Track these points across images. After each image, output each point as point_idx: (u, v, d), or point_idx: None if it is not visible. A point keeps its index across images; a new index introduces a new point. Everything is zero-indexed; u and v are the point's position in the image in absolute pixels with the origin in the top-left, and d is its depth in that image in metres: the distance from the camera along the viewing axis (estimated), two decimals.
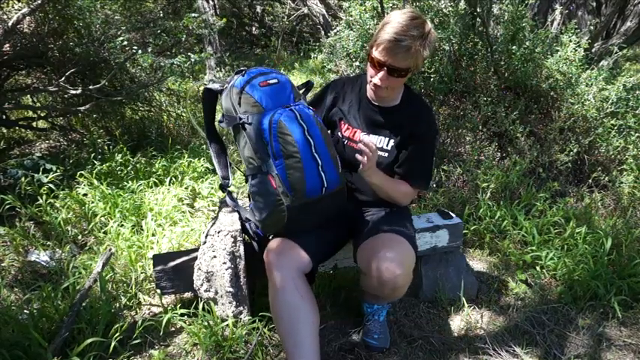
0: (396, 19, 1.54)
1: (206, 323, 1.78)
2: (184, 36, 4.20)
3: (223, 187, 1.87)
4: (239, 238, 1.77)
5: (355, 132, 1.78)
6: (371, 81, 1.66)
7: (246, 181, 1.70)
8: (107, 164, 3.21)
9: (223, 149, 1.91)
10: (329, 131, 1.85)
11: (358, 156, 1.57)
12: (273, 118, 1.51)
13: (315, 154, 1.53)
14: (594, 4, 5.77)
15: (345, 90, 1.83)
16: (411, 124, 1.73)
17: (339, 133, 1.80)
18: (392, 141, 1.75)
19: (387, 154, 1.75)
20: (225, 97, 1.63)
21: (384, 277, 1.53)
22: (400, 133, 1.74)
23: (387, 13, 1.70)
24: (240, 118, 1.55)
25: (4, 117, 3.77)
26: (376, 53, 1.58)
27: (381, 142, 1.76)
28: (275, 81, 1.59)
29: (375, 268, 1.54)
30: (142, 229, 2.51)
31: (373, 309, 1.83)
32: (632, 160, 2.96)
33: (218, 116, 1.72)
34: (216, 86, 1.71)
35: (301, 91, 1.71)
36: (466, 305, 2.06)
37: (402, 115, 1.75)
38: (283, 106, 1.56)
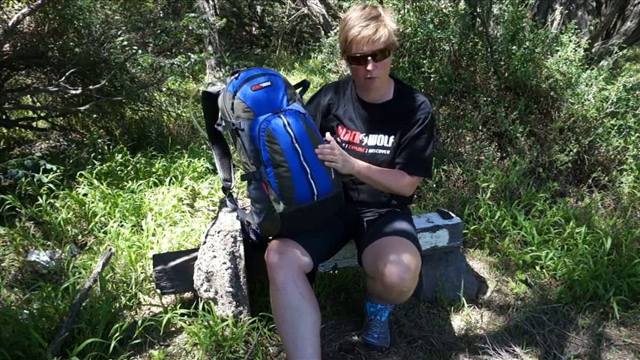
0: (350, 17, 1.62)
1: (206, 323, 1.78)
2: (184, 36, 4.21)
3: (225, 190, 1.87)
4: (239, 238, 1.77)
5: (355, 134, 1.78)
6: (363, 78, 1.67)
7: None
8: (107, 164, 3.21)
9: (226, 151, 1.89)
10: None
11: (327, 163, 1.57)
12: (261, 127, 1.49)
13: (303, 162, 1.52)
14: (594, 4, 5.77)
15: (337, 96, 1.83)
16: (406, 115, 1.73)
17: (338, 139, 1.80)
18: (392, 138, 1.75)
19: (388, 152, 1.75)
20: (220, 101, 1.62)
21: (391, 281, 1.53)
22: (398, 128, 1.74)
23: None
24: (234, 124, 1.54)
25: (4, 117, 3.77)
26: (353, 51, 1.61)
27: (381, 141, 1.75)
28: (268, 83, 1.56)
29: (381, 271, 1.54)
30: (142, 229, 2.51)
31: (376, 308, 1.84)
32: (632, 160, 2.95)
33: None
34: (214, 89, 1.71)
35: (298, 90, 1.69)
36: (466, 305, 2.06)
37: (396, 108, 1.75)
38: (273, 111, 1.53)
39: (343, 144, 1.79)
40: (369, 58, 1.60)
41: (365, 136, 1.77)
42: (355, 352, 1.81)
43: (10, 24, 2.93)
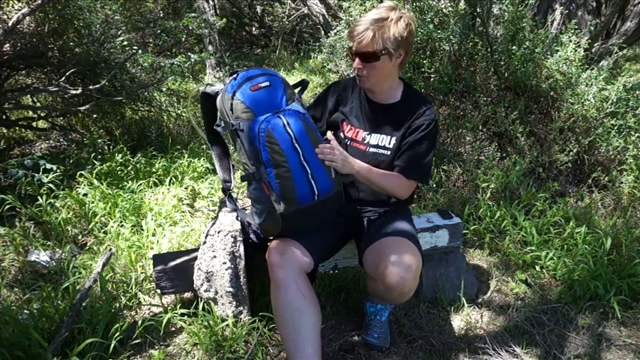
0: (368, 12, 1.65)
1: (206, 323, 1.78)
2: (184, 36, 4.21)
3: (225, 191, 1.87)
4: (239, 238, 1.77)
5: (358, 132, 1.78)
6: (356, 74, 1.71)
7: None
8: (107, 164, 3.21)
9: (226, 152, 1.89)
10: (332, 132, 1.84)
11: (327, 162, 1.57)
12: (261, 127, 1.49)
13: (303, 162, 1.52)
14: (594, 4, 5.78)
15: (346, 92, 1.84)
16: (410, 119, 1.73)
17: (342, 134, 1.81)
18: (394, 139, 1.75)
19: (389, 152, 1.75)
20: (219, 102, 1.62)
21: (391, 282, 1.53)
22: (401, 130, 1.74)
23: None
24: (233, 125, 1.53)
25: (4, 117, 3.77)
26: (350, 43, 1.66)
27: (383, 141, 1.76)
28: (267, 83, 1.56)
29: (382, 272, 1.54)
30: (142, 229, 2.51)
31: (376, 308, 1.84)
32: (632, 160, 2.95)
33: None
34: (214, 88, 1.70)
35: (296, 90, 1.69)
36: (466, 305, 2.06)
37: (402, 110, 1.75)
38: (273, 111, 1.52)
39: (346, 140, 1.79)
40: (355, 55, 1.64)
41: (368, 134, 1.77)
42: (355, 352, 1.81)
43: (10, 24, 2.92)
